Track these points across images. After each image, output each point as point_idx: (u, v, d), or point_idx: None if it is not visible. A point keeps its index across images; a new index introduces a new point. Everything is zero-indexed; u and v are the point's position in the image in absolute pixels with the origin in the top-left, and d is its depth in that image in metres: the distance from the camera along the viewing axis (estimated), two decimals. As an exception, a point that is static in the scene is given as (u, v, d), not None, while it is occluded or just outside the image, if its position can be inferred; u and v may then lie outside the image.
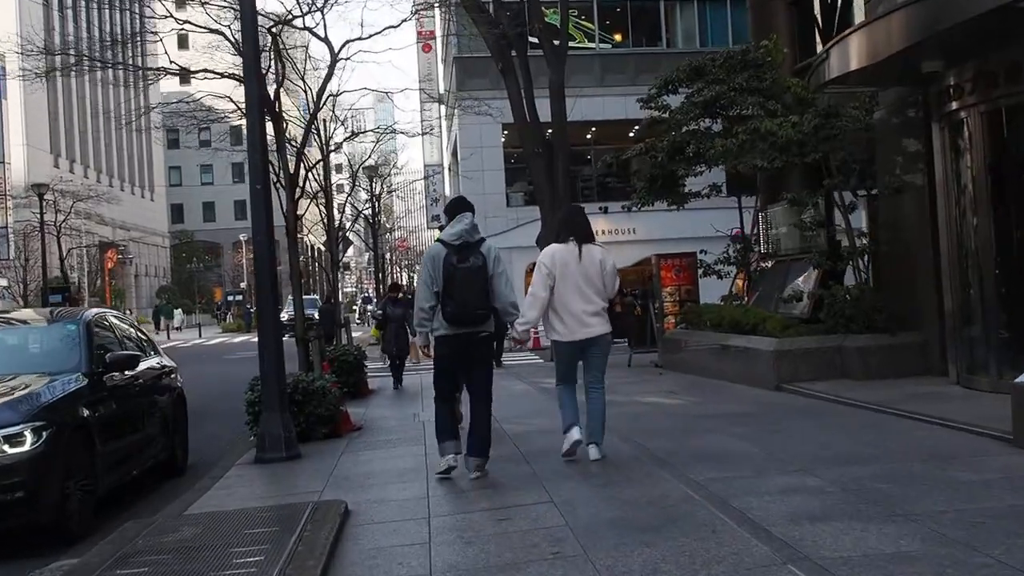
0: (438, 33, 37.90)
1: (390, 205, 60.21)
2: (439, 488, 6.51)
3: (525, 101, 18.82)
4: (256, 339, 8.75)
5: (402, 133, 18.75)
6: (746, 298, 15.03)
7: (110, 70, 16.28)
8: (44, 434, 6.04)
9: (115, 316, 9.10)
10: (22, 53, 14.24)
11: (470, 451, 6.58)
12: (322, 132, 15.44)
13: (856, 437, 7.40)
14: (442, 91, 36.69)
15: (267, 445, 8.23)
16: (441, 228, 7.54)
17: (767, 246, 14.85)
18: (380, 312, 17.03)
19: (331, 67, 10.75)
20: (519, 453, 7.56)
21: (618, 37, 33.49)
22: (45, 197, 33.50)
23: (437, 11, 30.22)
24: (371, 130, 16.91)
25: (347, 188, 26.96)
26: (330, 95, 11.84)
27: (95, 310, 8.47)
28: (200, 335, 46.31)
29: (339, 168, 41.56)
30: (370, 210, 31.23)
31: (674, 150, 14.47)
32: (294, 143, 11.89)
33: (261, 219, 8.49)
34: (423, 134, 19.43)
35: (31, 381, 6.67)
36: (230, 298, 59.64)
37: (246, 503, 6.54)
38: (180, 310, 59.44)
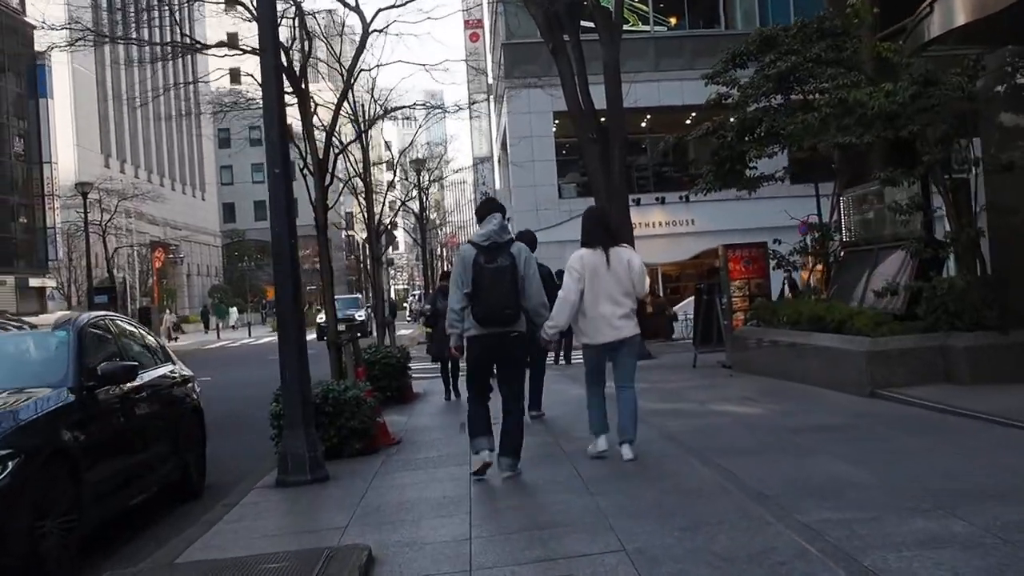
0: (486, 20, 36.89)
1: (440, 199, 59.37)
2: (484, 526, 5.39)
3: (578, 85, 17.64)
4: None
5: (443, 110, 17.67)
6: (815, 291, 13.66)
7: (157, 50, 15.79)
8: (10, 464, 5.03)
9: (120, 320, 8.11)
10: (70, 28, 13.93)
11: (502, 451, 6.55)
12: (360, 116, 14.41)
13: (991, 460, 6.09)
14: (490, 81, 35.65)
15: (289, 467, 7.19)
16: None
17: (849, 234, 13.44)
18: (429, 307, 13.67)
19: (363, 38, 9.70)
20: (579, 478, 6.40)
21: (674, 20, 32.06)
22: (91, 196, 33.21)
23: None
24: (408, 106, 15.87)
25: (394, 183, 25.94)
26: (362, 70, 10.80)
27: (93, 314, 7.50)
28: (250, 334, 45.95)
29: (389, 166, 40.76)
30: (417, 204, 30.21)
31: (744, 129, 13.13)
32: (325, 128, 10.84)
33: (281, 208, 7.43)
34: (470, 107, 18.47)
35: (2, 399, 5.67)
36: (281, 296, 59.39)
37: (253, 545, 5.48)
38: (235, 309, 59.58)
